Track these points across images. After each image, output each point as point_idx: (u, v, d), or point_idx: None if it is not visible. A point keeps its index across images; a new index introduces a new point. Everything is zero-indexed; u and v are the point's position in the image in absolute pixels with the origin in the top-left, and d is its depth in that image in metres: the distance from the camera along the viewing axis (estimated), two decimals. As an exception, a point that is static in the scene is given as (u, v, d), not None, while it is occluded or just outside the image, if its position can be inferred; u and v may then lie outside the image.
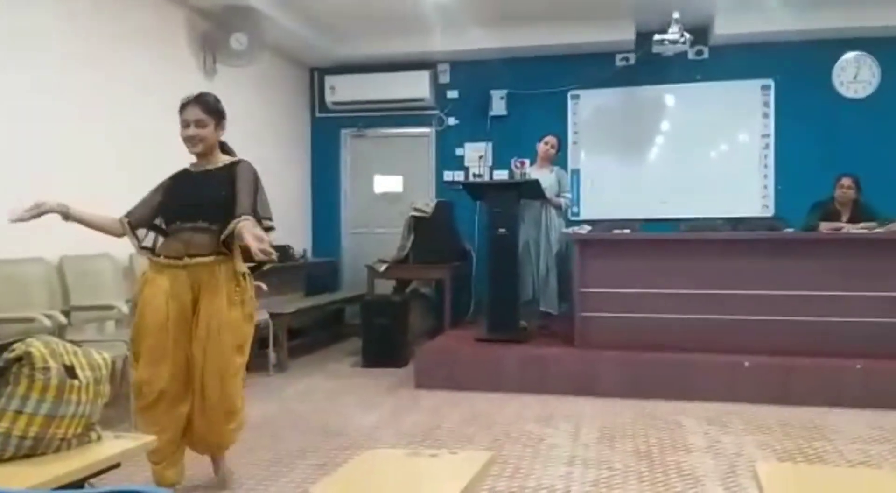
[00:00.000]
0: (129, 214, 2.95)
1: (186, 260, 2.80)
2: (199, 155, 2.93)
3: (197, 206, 2.84)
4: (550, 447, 3.62)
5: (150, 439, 2.10)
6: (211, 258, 2.82)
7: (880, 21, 6.01)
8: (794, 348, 4.63)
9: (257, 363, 5.38)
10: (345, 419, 4.18)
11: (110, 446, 2.01)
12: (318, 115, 7.49)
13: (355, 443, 3.68)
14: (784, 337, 4.70)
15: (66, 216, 2.80)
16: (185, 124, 2.86)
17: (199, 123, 2.85)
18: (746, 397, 4.41)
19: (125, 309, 4.15)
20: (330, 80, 7.19)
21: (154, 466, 2.90)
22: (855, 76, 6.45)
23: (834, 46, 6.40)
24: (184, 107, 2.88)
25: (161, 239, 2.94)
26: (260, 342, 5.48)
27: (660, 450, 3.56)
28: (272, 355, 5.40)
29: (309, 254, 7.19)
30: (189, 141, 2.88)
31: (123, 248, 4.58)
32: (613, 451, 3.55)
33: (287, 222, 6.99)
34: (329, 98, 7.21)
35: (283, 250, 6.19)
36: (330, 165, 7.53)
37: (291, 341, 5.98)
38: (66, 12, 4.38)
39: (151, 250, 2.93)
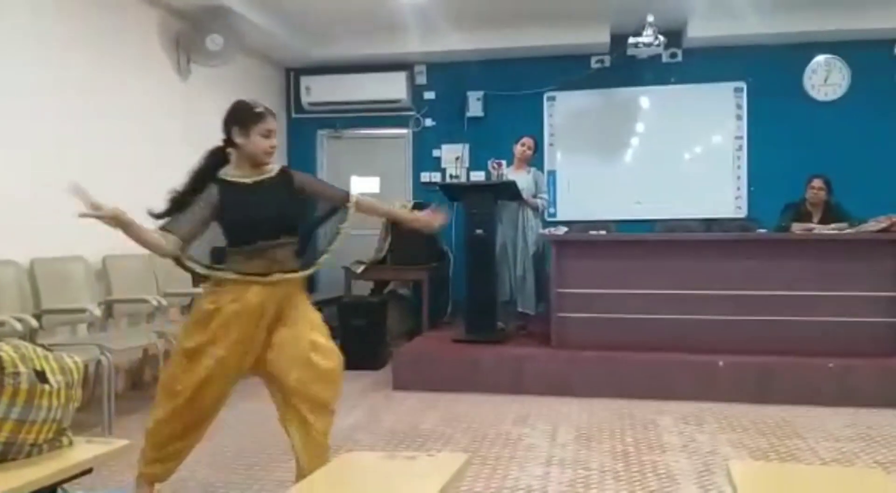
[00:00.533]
0: (173, 231, 2.74)
1: (278, 276, 2.73)
2: (262, 164, 2.79)
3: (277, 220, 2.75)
4: (528, 448, 3.63)
5: (122, 444, 2.06)
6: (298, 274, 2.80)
7: (850, 24, 6.12)
8: (767, 347, 4.69)
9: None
10: (322, 421, 4.15)
11: (82, 451, 1.98)
12: (293, 116, 7.46)
13: (333, 445, 3.65)
14: (758, 337, 4.77)
15: (119, 226, 2.61)
16: (267, 134, 2.73)
17: (274, 134, 2.78)
18: (721, 397, 4.46)
19: (97, 312, 4.10)
20: (306, 81, 7.16)
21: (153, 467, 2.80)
22: (826, 79, 6.56)
23: (805, 49, 6.51)
24: (262, 116, 2.72)
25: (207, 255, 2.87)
26: (236, 345, 5.43)
27: (636, 449, 3.59)
28: (248, 358, 5.35)
29: (285, 255, 7.15)
30: (271, 152, 2.78)
31: (96, 250, 4.56)
32: (590, 451, 3.57)
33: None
34: (305, 99, 7.17)
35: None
36: (306, 166, 7.47)
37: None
38: (35, 12, 4.31)
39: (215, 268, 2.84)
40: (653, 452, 3.55)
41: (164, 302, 4.64)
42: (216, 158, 2.79)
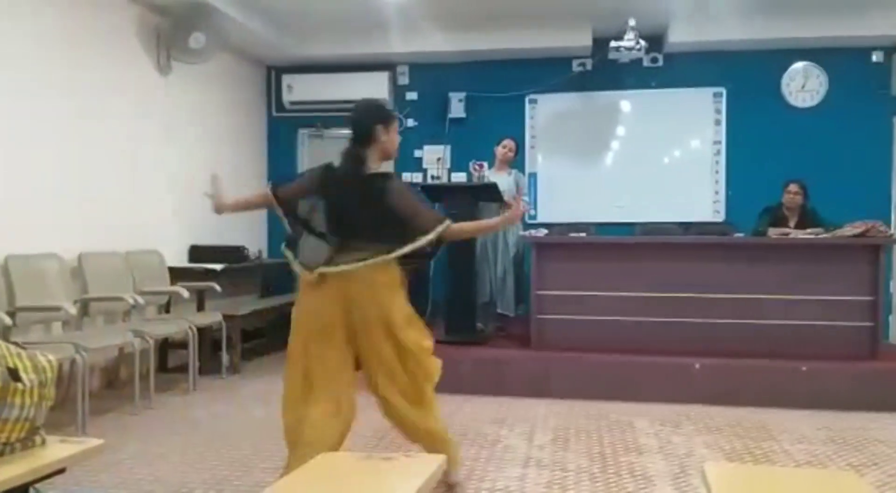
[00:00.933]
0: None
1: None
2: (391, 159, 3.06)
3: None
4: (505, 449, 3.64)
5: (96, 443, 2.04)
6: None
7: (828, 32, 6.20)
8: (743, 350, 4.75)
9: (210, 366, 5.31)
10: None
11: (55, 450, 1.96)
12: (274, 114, 7.41)
13: (310, 446, 3.64)
14: (734, 340, 4.82)
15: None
16: (398, 134, 3.00)
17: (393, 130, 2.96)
18: (697, 399, 4.50)
19: (72, 310, 4.05)
20: (287, 79, 7.12)
21: None
22: (803, 85, 6.64)
23: (783, 56, 6.59)
24: (395, 117, 3.00)
25: None
26: (213, 344, 5.40)
27: (612, 451, 3.61)
28: (225, 358, 5.32)
29: (264, 255, 7.09)
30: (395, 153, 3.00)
31: (71, 247, 4.50)
32: (567, 452, 3.59)
33: (242, 223, 6.89)
34: (286, 97, 7.14)
35: (238, 251, 6.10)
36: (287, 165, 7.45)
37: (246, 343, 5.91)
38: (11, 6, 4.25)
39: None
40: (629, 453, 3.57)
41: (140, 300, 4.60)
42: (354, 156, 2.97)
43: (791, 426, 4.07)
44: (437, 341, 5.16)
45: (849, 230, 4.86)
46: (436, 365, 2.96)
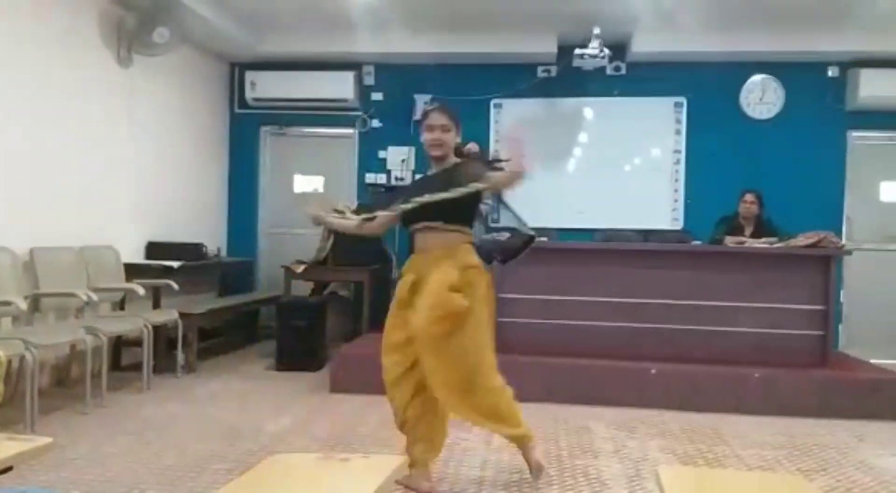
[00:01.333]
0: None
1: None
2: (438, 158, 3.11)
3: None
4: (464, 452, 3.64)
5: (45, 442, 1.98)
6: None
7: (786, 46, 6.36)
8: (698, 356, 4.83)
9: (165, 364, 5.22)
10: (256, 422, 4.08)
11: (2, 448, 1.90)
12: (237, 110, 7.32)
13: (266, 448, 3.61)
14: (689, 346, 4.90)
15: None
16: (431, 129, 3.07)
17: (444, 128, 3.07)
18: (653, 404, 4.56)
19: (23, 306, 3.94)
20: (251, 76, 7.04)
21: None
22: (761, 98, 6.79)
23: (743, 69, 6.73)
24: (427, 114, 3.14)
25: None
26: (168, 343, 5.31)
27: (569, 454, 3.64)
28: (181, 356, 5.23)
29: (223, 253, 7.00)
30: (434, 146, 3.08)
31: (23, 241, 4.39)
32: (525, 455, 3.60)
33: (201, 220, 6.81)
34: (249, 94, 7.05)
35: (196, 248, 6.01)
36: (248, 163, 7.37)
37: (203, 343, 5.82)
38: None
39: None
40: (586, 456, 3.60)
41: (94, 297, 4.49)
42: None
43: (743, 431, 4.15)
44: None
45: (802, 241, 4.97)
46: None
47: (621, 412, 4.46)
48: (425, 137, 3.10)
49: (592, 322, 5.01)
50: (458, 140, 3.20)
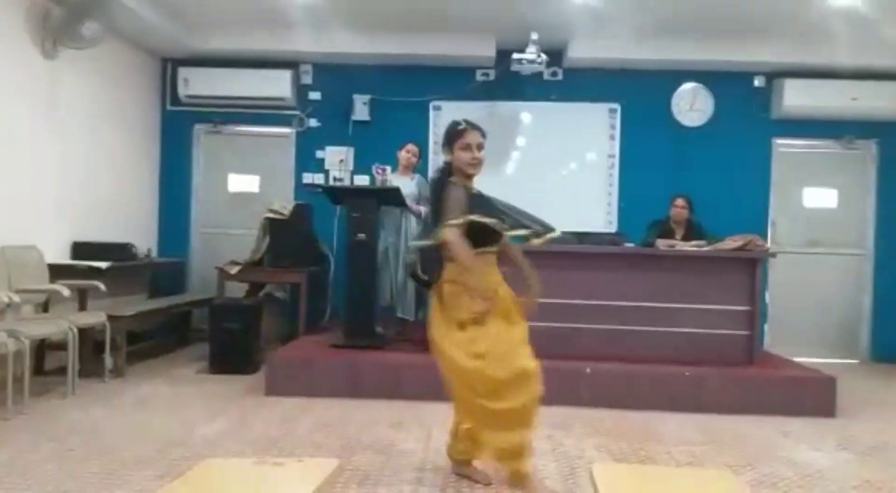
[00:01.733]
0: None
1: None
2: (469, 177, 3.14)
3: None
4: (401, 453, 3.63)
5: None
6: None
7: (715, 56, 6.57)
8: (631, 355, 4.93)
9: (91, 369, 5.04)
10: (187, 427, 3.98)
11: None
12: (169, 107, 7.12)
13: (198, 453, 3.51)
14: (623, 345, 5.01)
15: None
16: (469, 148, 3.08)
17: (481, 147, 3.11)
18: (588, 402, 4.64)
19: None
20: (184, 73, 6.86)
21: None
22: (692, 105, 6.99)
23: (674, 77, 6.92)
24: (465, 131, 3.09)
25: None
26: (95, 346, 5.13)
27: (506, 454, 3.65)
28: (108, 360, 5.05)
29: (154, 253, 6.80)
30: (475, 164, 3.10)
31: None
32: (462, 456, 3.61)
33: (131, 219, 6.61)
34: (182, 91, 6.87)
35: (125, 249, 5.82)
36: (181, 161, 7.17)
37: (132, 346, 5.64)
38: None
39: None
40: (522, 456, 3.63)
41: (16, 299, 4.30)
42: (443, 173, 3.16)
43: (674, 428, 4.26)
44: (336, 346, 5.17)
45: (729, 244, 5.14)
46: None
47: (558, 411, 4.50)
48: (462, 155, 3.07)
49: (530, 322, 5.05)
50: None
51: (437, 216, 3.08)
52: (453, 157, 3.10)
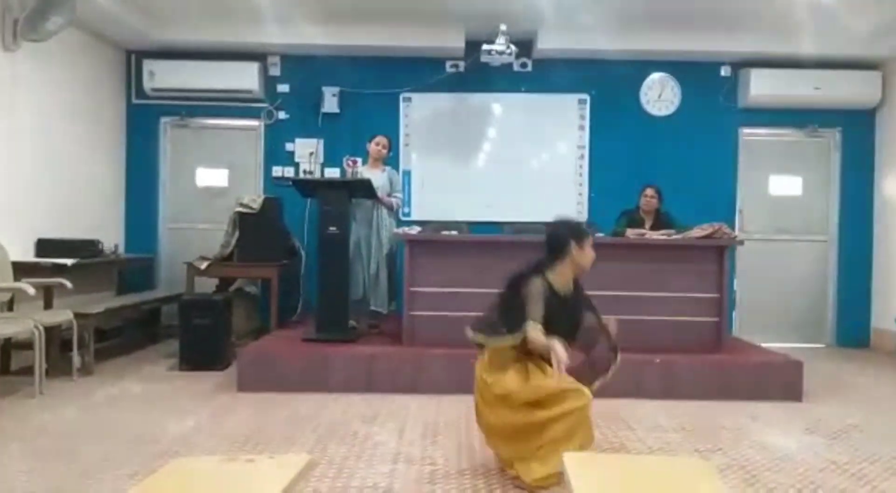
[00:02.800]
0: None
1: None
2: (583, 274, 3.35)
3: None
4: (375, 446, 3.63)
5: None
6: None
7: (682, 46, 6.63)
8: (602, 344, 4.96)
9: (59, 368, 4.96)
10: (159, 425, 3.93)
11: None
12: (134, 100, 7.00)
13: (169, 450, 3.48)
14: (594, 334, 5.03)
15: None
16: (592, 248, 3.30)
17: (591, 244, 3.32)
18: (560, 392, 4.67)
19: None
20: (149, 65, 6.75)
21: None
22: (660, 95, 7.06)
23: (642, 67, 6.98)
24: (588, 238, 3.30)
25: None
26: (62, 345, 5.05)
27: (480, 445, 3.66)
28: (76, 359, 4.97)
29: (121, 249, 6.69)
30: (589, 266, 3.31)
31: None
32: (436, 447, 3.63)
33: (97, 215, 6.50)
34: (147, 84, 6.76)
35: (91, 245, 5.72)
36: (147, 155, 7.06)
37: (101, 344, 5.56)
38: None
39: None
40: (496, 446, 3.65)
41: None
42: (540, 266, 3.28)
43: (644, 415, 4.31)
44: (308, 340, 5.14)
45: (697, 232, 5.20)
46: None
47: (530, 402, 4.54)
48: (590, 253, 3.28)
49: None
50: None
51: (513, 305, 3.19)
52: (582, 253, 3.24)
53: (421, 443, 3.68)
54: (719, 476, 2.00)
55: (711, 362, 4.89)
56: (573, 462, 1.89)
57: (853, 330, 7.00)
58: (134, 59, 6.94)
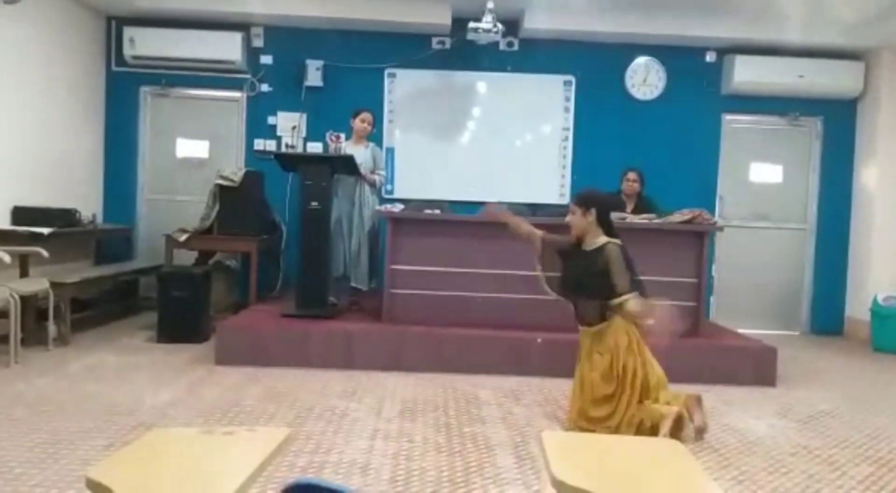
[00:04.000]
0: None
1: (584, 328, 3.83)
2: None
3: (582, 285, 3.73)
4: (353, 422, 3.64)
5: None
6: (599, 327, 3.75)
7: (668, 30, 6.61)
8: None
9: (35, 337, 4.90)
10: (135, 396, 3.91)
11: None
12: (114, 68, 6.87)
13: (146, 422, 3.47)
14: (573, 315, 5.05)
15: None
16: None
17: (571, 211, 3.73)
18: (538, 372, 4.72)
19: None
20: (129, 32, 6.61)
21: None
22: (644, 79, 7.05)
23: (628, 50, 6.96)
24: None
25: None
26: (38, 314, 4.99)
27: (458, 422, 3.70)
28: (52, 328, 4.92)
29: (99, 219, 6.61)
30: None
31: None
32: (414, 424, 3.64)
33: (74, 184, 6.40)
34: (128, 51, 6.63)
35: (69, 214, 5.64)
36: (127, 125, 6.95)
37: (78, 314, 5.50)
38: None
39: None
40: (473, 424, 3.68)
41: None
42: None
43: (621, 396, 4.34)
44: (287, 315, 5.13)
45: (678, 217, 5.23)
46: None
47: (508, 380, 4.58)
48: (576, 228, 3.77)
49: (482, 294, 5.10)
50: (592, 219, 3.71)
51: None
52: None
53: (399, 420, 3.70)
54: (693, 458, 2.03)
55: (689, 345, 4.94)
56: (551, 441, 1.90)
57: (828, 318, 7.10)
58: (114, 25, 6.80)
